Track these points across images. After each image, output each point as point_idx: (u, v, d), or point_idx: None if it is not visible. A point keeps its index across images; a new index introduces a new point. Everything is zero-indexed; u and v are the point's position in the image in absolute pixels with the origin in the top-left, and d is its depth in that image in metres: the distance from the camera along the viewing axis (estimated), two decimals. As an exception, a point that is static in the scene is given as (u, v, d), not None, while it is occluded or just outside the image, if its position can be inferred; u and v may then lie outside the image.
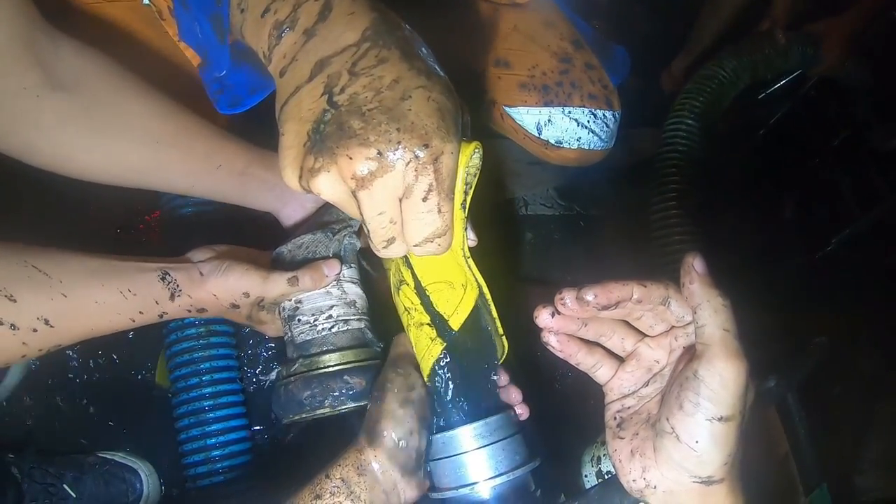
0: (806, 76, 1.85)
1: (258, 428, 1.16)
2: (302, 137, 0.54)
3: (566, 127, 1.12)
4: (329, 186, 0.54)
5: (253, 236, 0.93)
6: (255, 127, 0.88)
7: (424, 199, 0.54)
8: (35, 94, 0.72)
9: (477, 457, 0.70)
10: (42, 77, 0.73)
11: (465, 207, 0.60)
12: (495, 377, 0.75)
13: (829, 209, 1.93)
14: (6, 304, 0.63)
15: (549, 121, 1.12)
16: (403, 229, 0.57)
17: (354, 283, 0.85)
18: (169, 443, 1.09)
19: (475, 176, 0.61)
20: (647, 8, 2.11)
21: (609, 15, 1.68)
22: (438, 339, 0.70)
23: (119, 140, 0.80)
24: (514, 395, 0.76)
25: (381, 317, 0.87)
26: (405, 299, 0.71)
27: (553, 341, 0.62)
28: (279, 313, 0.84)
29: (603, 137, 1.15)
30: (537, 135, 1.14)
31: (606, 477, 0.92)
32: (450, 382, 0.72)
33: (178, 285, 0.75)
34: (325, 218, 0.88)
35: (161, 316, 0.75)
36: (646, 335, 0.63)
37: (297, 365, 0.80)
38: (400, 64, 0.54)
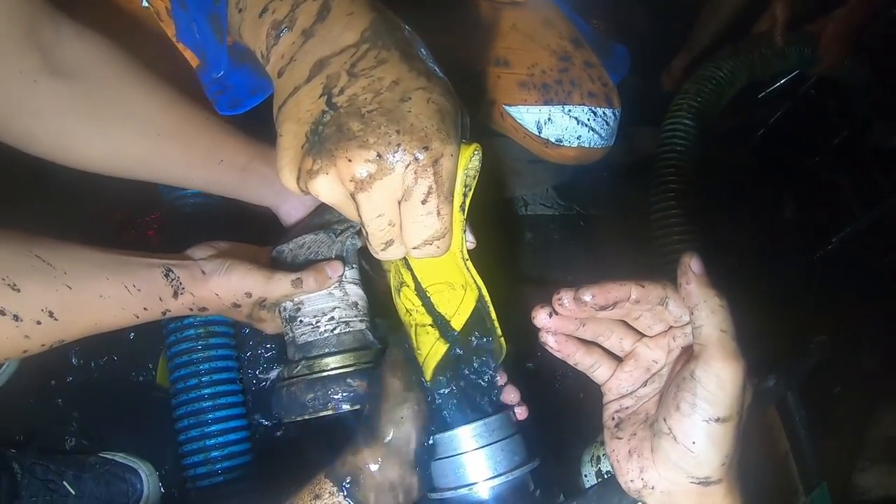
0: (805, 75, 1.85)
1: (258, 428, 1.16)
2: (300, 139, 0.54)
3: (566, 125, 1.12)
4: (327, 189, 0.53)
5: (249, 229, 0.93)
6: (254, 125, 0.87)
7: (424, 202, 0.54)
8: (32, 78, 0.71)
9: (476, 457, 0.70)
10: (41, 61, 0.71)
11: (464, 210, 0.60)
12: (495, 378, 0.75)
13: (829, 208, 1.93)
14: (9, 294, 0.61)
15: (549, 119, 1.12)
16: (402, 232, 0.56)
17: (356, 283, 0.84)
18: (170, 443, 1.09)
19: (474, 178, 0.60)
20: (647, 8, 2.11)
21: (608, 14, 1.67)
22: (441, 340, 0.70)
23: (120, 130, 0.79)
24: (513, 396, 0.76)
25: (381, 317, 0.87)
26: (406, 301, 0.71)
27: (551, 341, 0.62)
28: (279, 312, 0.84)
29: (603, 135, 1.15)
30: (537, 133, 1.14)
31: (606, 477, 0.92)
32: (451, 383, 0.72)
33: (180, 283, 0.74)
34: (326, 216, 0.87)
35: (164, 313, 0.74)
36: (644, 335, 0.63)
37: (299, 367, 0.80)
38: (400, 65, 0.54)
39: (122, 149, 0.81)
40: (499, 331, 0.73)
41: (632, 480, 0.58)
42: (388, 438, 0.69)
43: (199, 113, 0.84)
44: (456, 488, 0.70)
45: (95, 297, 0.67)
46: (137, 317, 0.72)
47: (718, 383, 0.52)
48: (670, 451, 0.55)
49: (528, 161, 1.41)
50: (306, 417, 0.79)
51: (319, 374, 0.79)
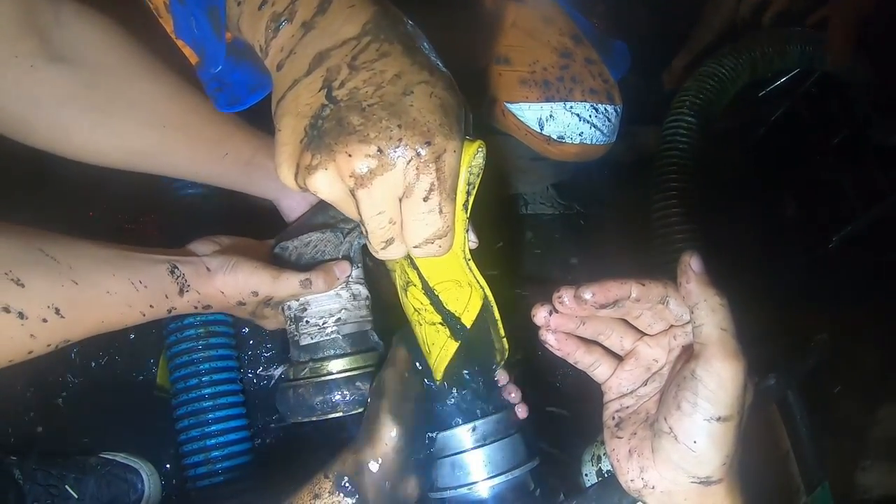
0: (806, 73, 1.84)
1: (258, 428, 1.16)
2: (299, 133, 0.53)
3: (568, 122, 1.11)
4: (326, 185, 0.52)
5: (246, 222, 0.92)
6: (254, 120, 0.87)
7: (425, 199, 0.53)
8: (29, 63, 0.69)
9: (476, 456, 0.70)
10: (38, 45, 0.69)
11: (466, 208, 0.59)
12: (496, 377, 0.75)
13: (830, 206, 1.92)
14: (13, 290, 0.58)
15: (550, 116, 1.11)
16: (403, 230, 0.55)
17: (361, 283, 0.84)
18: (170, 443, 1.09)
19: (478, 176, 0.59)
20: (647, 7, 2.11)
21: (608, 13, 1.67)
22: (452, 338, 0.69)
23: (122, 120, 0.77)
24: (513, 395, 0.76)
25: (383, 316, 0.86)
26: (414, 300, 0.71)
27: (551, 339, 0.61)
28: (282, 311, 0.84)
29: (605, 132, 1.14)
30: (539, 130, 1.13)
31: (607, 476, 0.91)
32: (460, 381, 0.72)
33: (186, 280, 0.72)
34: (329, 212, 0.86)
35: (169, 311, 0.72)
36: (645, 334, 0.62)
37: (306, 369, 0.80)
38: (402, 58, 0.53)
39: (126, 140, 0.79)
40: (502, 331, 0.72)
41: (632, 480, 0.58)
42: (389, 437, 0.69)
43: (205, 103, 0.82)
44: (456, 487, 0.70)
45: (102, 293, 0.65)
46: (143, 314, 0.70)
47: (719, 382, 0.51)
48: (671, 451, 0.54)
49: (530, 158, 1.41)
50: (314, 420, 0.79)
51: (327, 378, 0.79)
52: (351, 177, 0.51)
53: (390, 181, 0.51)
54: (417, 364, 0.75)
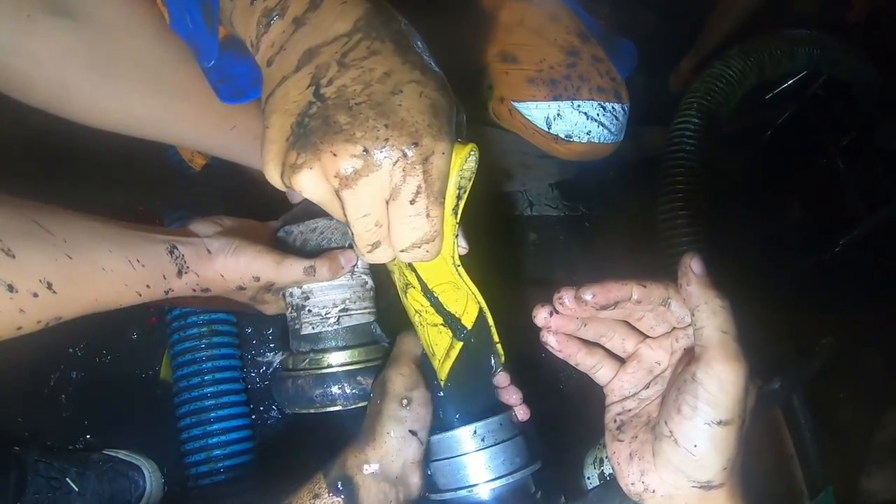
0: (813, 76, 1.84)
1: (259, 427, 1.16)
2: (286, 131, 0.52)
3: (575, 121, 1.11)
4: (311, 184, 0.51)
5: (248, 199, 0.90)
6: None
7: (412, 202, 0.51)
8: (26, 13, 0.66)
9: (477, 459, 0.70)
10: None
11: (456, 213, 0.57)
12: (494, 379, 0.75)
13: (836, 210, 1.92)
14: (3, 260, 0.54)
15: (558, 115, 1.11)
16: (390, 233, 0.54)
17: (367, 274, 0.82)
18: (173, 441, 1.09)
19: (470, 180, 0.57)
20: (653, 8, 2.10)
21: (614, 15, 1.67)
22: (455, 339, 0.69)
23: (126, 83, 0.74)
24: (514, 397, 0.76)
25: (388, 311, 0.85)
26: (414, 302, 0.70)
27: (552, 341, 0.61)
28: (284, 297, 0.81)
29: (613, 130, 1.14)
30: (547, 129, 1.13)
31: (608, 479, 0.91)
32: (461, 382, 0.71)
33: (185, 261, 0.69)
34: None
35: (167, 292, 0.69)
36: (647, 336, 0.62)
37: (307, 359, 0.78)
38: (393, 57, 0.52)
39: (129, 104, 0.76)
40: (496, 337, 0.71)
41: (633, 483, 0.58)
42: (390, 437, 0.69)
43: None
44: (456, 489, 0.70)
45: (97, 269, 0.61)
46: (140, 294, 0.66)
47: (720, 385, 0.51)
48: (671, 455, 0.54)
49: (536, 156, 1.40)
50: (311, 412, 0.78)
51: (328, 370, 0.77)
52: (336, 177, 0.49)
53: (376, 182, 0.50)
54: (422, 364, 0.74)
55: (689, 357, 0.56)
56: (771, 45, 1.66)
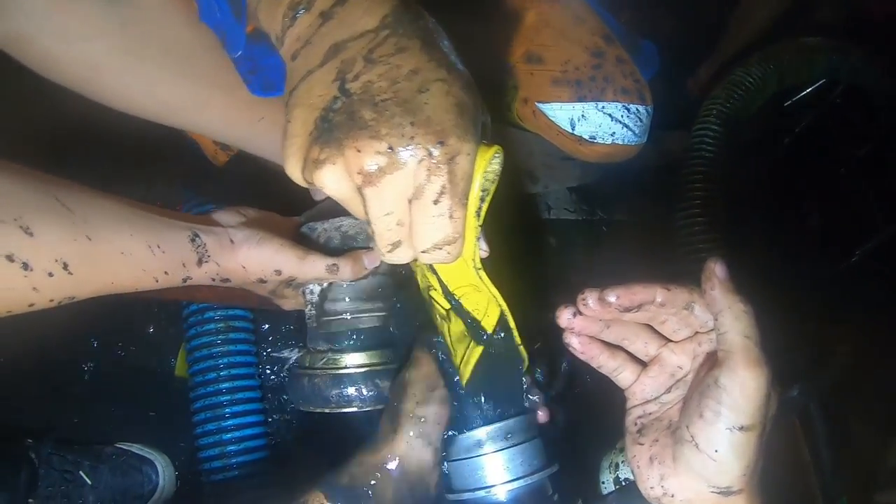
0: (832, 85, 1.83)
1: (274, 424, 1.16)
2: (309, 126, 0.51)
3: (600, 122, 1.10)
4: (334, 180, 0.50)
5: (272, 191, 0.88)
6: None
7: (436, 202, 0.50)
8: None
9: (495, 460, 0.70)
10: None
11: (479, 215, 0.56)
12: (522, 380, 0.74)
13: (854, 219, 1.90)
14: (20, 238, 0.53)
15: (582, 116, 1.10)
16: (411, 233, 0.53)
17: (387, 275, 0.82)
18: (187, 436, 1.10)
19: (493, 182, 0.57)
20: (673, 13, 2.10)
21: (634, 18, 1.67)
22: (475, 342, 0.69)
23: (155, 67, 0.74)
24: (535, 399, 0.76)
25: (410, 314, 0.85)
26: (436, 304, 0.70)
27: (575, 342, 0.61)
28: (304, 293, 0.81)
29: (636, 132, 1.13)
30: (571, 131, 1.12)
31: (624, 484, 0.91)
32: (482, 384, 0.71)
33: (206, 250, 0.68)
34: None
35: (185, 280, 0.68)
36: (670, 340, 0.62)
37: (324, 359, 0.78)
38: (420, 54, 0.51)
39: (156, 88, 0.75)
40: (518, 339, 0.71)
41: (652, 487, 0.58)
42: (408, 437, 0.69)
43: None
44: (474, 490, 0.70)
45: (116, 253, 0.60)
46: (157, 280, 0.65)
47: (742, 391, 0.51)
48: (692, 459, 0.54)
49: (560, 158, 1.40)
50: (325, 412, 0.78)
51: (346, 371, 0.77)
52: (359, 174, 0.49)
53: (400, 180, 0.49)
54: (442, 366, 0.74)
55: (712, 362, 0.56)
56: (791, 52, 1.66)
